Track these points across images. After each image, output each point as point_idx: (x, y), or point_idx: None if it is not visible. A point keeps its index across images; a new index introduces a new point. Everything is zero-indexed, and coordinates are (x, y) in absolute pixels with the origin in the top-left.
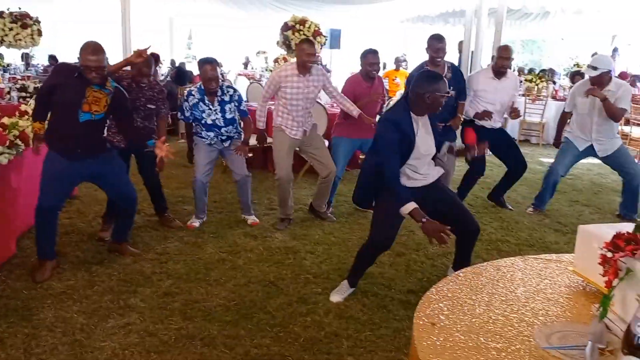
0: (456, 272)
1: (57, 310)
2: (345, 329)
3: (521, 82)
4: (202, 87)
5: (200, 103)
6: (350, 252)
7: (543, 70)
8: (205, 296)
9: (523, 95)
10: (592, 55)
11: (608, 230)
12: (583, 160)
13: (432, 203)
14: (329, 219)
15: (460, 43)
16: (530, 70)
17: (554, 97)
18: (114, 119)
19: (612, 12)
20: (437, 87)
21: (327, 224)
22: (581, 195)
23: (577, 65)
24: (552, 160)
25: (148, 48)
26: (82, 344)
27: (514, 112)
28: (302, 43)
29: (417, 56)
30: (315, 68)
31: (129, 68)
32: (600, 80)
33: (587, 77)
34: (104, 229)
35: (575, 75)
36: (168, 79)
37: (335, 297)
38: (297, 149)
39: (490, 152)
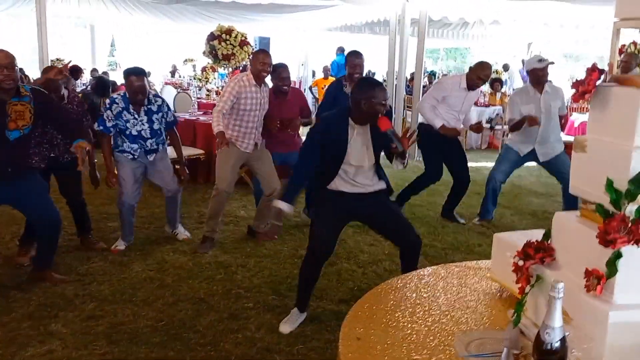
0: (383, 284)
1: None
2: (277, 344)
3: None
4: (127, 96)
5: (125, 112)
6: (282, 264)
7: None
8: (132, 318)
9: None
10: (504, 66)
11: (520, 238)
12: None
13: (370, 213)
14: (270, 236)
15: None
16: None
17: (475, 103)
18: (52, 127)
19: (527, 21)
20: (373, 94)
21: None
22: (502, 198)
23: (497, 72)
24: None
25: (69, 63)
26: None
27: (478, 126)
28: (258, 53)
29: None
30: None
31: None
32: (546, 73)
33: (519, 83)
34: (21, 254)
35: (494, 82)
36: (88, 89)
37: (286, 328)
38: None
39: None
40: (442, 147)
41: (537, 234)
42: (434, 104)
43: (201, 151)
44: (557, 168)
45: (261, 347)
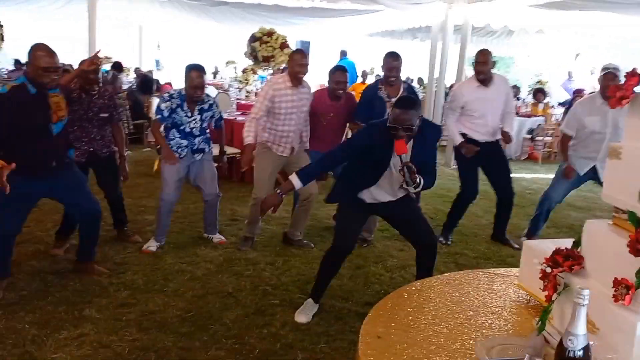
0: (407, 286)
1: (8, 321)
2: (301, 341)
3: None
4: (183, 93)
5: (179, 109)
6: (310, 264)
7: (513, 87)
8: (162, 307)
9: None
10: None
11: (549, 246)
12: (543, 175)
13: (391, 212)
14: (305, 246)
15: None
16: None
17: (516, 113)
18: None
19: (573, 31)
20: (396, 115)
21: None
22: None
23: (540, 82)
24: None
25: (98, 52)
26: (33, 355)
27: (505, 136)
28: (294, 54)
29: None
30: (304, 80)
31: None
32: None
33: (584, 94)
34: (57, 246)
35: (537, 92)
36: (134, 87)
37: (301, 318)
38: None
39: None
40: (481, 159)
41: (567, 243)
42: (456, 117)
43: (238, 150)
44: None
45: (285, 343)
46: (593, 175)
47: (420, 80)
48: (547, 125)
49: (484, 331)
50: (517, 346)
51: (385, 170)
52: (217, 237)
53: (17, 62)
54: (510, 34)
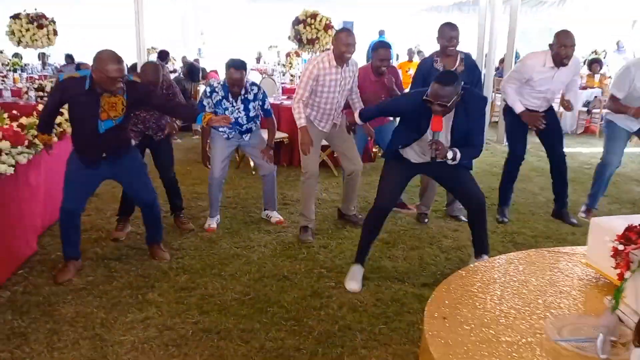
0: (467, 266)
1: (78, 306)
2: (359, 322)
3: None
4: (226, 84)
5: (224, 100)
6: None
7: None
8: (221, 290)
9: None
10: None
11: (620, 223)
12: (600, 150)
13: (435, 173)
14: (359, 221)
15: None
16: None
17: None
18: (154, 109)
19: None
20: (435, 92)
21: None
22: None
23: (595, 52)
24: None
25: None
26: (103, 338)
27: (567, 104)
28: (339, 32)
29: (431, 47)
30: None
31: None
32: None
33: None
34: (118, 229)
35: (593, 63)
36: (180, 76)
37: (352, 285)
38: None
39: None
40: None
41: (637, 219)
42: (517, 85)
43: (285, 135)
44: None
45: (343, 325)
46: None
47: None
48: (604, 97)
49: (552, 311)
50: (589, 325)
51: (423, 135)
52: (275, 217)
53: (68, 56)
54: (562, 2)
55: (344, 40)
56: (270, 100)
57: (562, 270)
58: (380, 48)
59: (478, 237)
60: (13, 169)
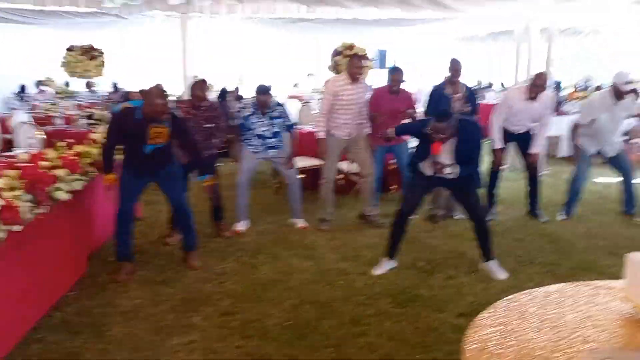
0: (507, 298)
1: (126, 327)
2: (398, 351)
3: (562, 101)
4: (256, 102)
5: (253, 116)
6: (400, 275)
7: (598, 87)
8: (262, 316)
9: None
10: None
11: None
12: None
13: (449, 187)
14: (377, 223)
15: None
16: (586, 87)
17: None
18: (179, 142)
19: None
20: (433, 124)
21: (379, 247)
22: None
23: (631, 82)
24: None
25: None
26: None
27: (532, 159)
28: (352, 58)
29: (466, 74)
30: (362, 80)
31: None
32: (628, 93)
33: (603, 91)
34: (169, 235)
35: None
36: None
37: (378, 270)
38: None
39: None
40: (513, 139)
41: None
42: (504, 117)
43: (322, 162)
44: (620, 161)
45: (382, 353)
46: (600, 155)
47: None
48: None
49: (590, 344)
50: (628, 359)
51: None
52: (301, 222)
53: (114, 85)
54: (597, 32)
55: (355, 64)
56: (309, 127)
57: (600, 304)
58: (394, 71)
59: (482, 245)
60: (69, 195)
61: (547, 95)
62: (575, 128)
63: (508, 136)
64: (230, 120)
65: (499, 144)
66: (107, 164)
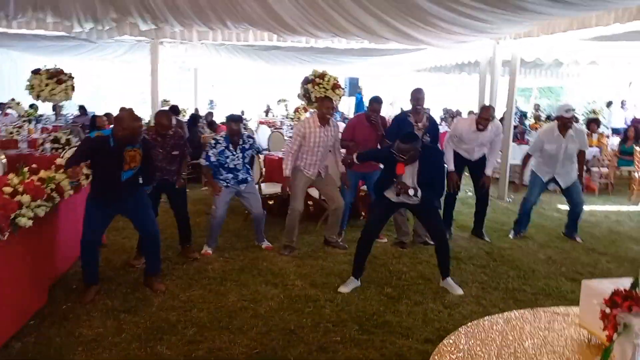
0: (469, 324)
1: (88, 358)
2: None
3: (526, 130)
4: (227, 137)
5: (226, 150)
6: (368, 300)
7: (548, 117)
8: (229, 344)
9: None
10: (607, 104)
11: (608, 286)
12: (600, 208)
13: (413, 209)
14: (340, 247)
15: None
16: (548, 117)
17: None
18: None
19: (627, 62)
20: (399, 146)
21: (347, 273)
22: (598, 243)
23: (594, 112)
24: (567, 206)
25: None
26: None
27: (484, 180)
28: (323, 100)
29: (433, 103)
30: (331, 120)
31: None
32: (572, 121)
33: (551, 123)
34: (135, 258)
35: (591, 123)
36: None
37: (343, 289)
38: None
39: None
40: (466, 165)
41: (626, 282)
42: (455, 143)
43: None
44: (573, 192)
45: None
46: (554, 182)
47: (448, 111)
48: (603, 155)
49: None
50: None
51: (394, 178)
52: (265, 243)
53: (81, 108)
54: (559, 65)
55: (325, 105)
56: (279, 154)
57: (557, 331)
58: (375, 103)
59: (442, 263)
60: (32, 222)
61: (495, 124)
62: (525, 158)
63: (464, 162)
64: (202, 147)
65: (451, 167)
66: (73, 162)
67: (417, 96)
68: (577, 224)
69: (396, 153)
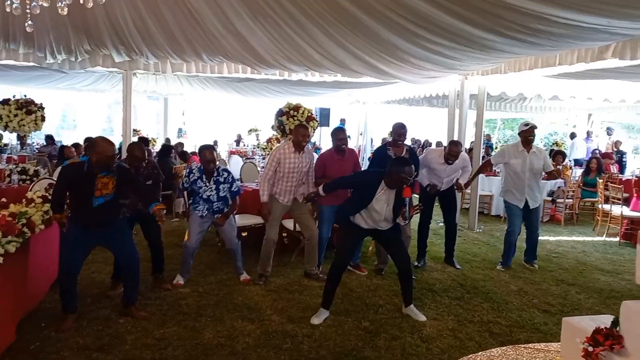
0: None
1: None
2: None
3: None
4: (201, 167)
5: (199, 180)
6: (346, 335)
7: None
8: None
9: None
10: (571, 135)
11: (590, 323)
12: (567, 238)
13: (380, 236)
14: (320, 279)
15: None
16: None
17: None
18: (131, 193)
19: (587, 96)
20: (403, 170)
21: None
22: (567, 274)
23: (557, 144)
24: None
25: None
26: None
27: (459, 186)
28: (298, 127)
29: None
30: (306, 147)
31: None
32: (532, 134)
33: (582, 153)
34: (112, 288)
35: (556, 155)
36: (156, 156)
37: (315, 320)
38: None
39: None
40: (437, 196)
41: (606, 320)
42: (424, 172)
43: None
44: (533, 218)
45: None
46: (525, 206)
47: (416, 141)
48: (568, 187)
49: None
50: None
51: (368, 204)
52: (244, 276)
53: (49, 137)
54: (524, 99)
55: (301, 132)
56: (252, 185)
57: None
58: (338, 131)
59: (406, 290)
60: (2, 258)
61: (462, 157)
62: (486, 163)
63: (434, 193)
64: (174, 178)
65: (425, 181)
66: (55, 206)
67: (399, 131)
68: (535, 250)
69: (404, 178)
